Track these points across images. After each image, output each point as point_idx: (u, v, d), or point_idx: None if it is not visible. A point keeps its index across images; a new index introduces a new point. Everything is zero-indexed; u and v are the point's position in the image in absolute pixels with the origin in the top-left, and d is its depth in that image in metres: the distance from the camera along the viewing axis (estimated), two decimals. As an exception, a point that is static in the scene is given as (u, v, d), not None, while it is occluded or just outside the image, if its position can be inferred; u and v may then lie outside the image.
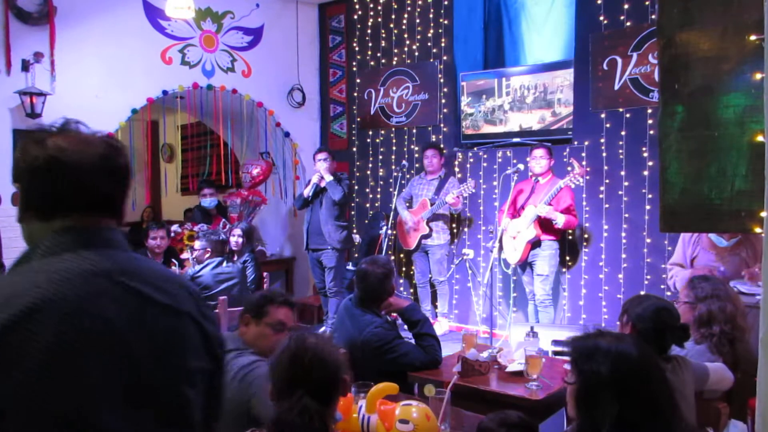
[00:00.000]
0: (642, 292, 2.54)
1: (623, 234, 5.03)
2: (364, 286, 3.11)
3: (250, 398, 2.09)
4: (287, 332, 2.34)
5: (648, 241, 4.87)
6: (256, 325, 2.33)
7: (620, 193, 5.05)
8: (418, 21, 6.29)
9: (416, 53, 6.33)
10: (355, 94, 6.81)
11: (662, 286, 4.08)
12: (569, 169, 4.87)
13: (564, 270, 5.34)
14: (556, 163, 5.16)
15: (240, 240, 5.23)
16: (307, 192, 5.66)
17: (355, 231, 6.69)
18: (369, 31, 6.69)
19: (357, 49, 6.79)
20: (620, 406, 1.53)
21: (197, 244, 4.85)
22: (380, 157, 6.65)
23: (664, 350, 2.33)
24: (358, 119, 6.81)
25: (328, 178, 5.54)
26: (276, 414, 1.62)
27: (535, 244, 4.93)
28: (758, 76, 1.61)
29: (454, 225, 5.99)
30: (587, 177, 5.20)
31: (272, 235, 7.29)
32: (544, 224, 4.86)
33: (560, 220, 4.74)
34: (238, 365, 2.17)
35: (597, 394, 1.56)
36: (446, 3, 6.06)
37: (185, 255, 5.31)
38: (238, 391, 2.10)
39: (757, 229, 1.64)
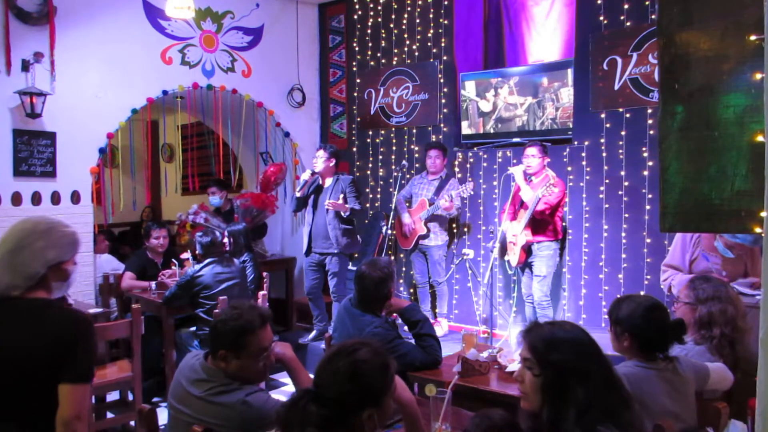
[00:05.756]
0: (618, 296, 2.55)
1: (623, 234, 5.03)
2: (360, 289, 3.11)
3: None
4: (271, 351, 2.21)
5: (648, 241, 4.87)
6: (237, 358, 2.10)
7: (620, 193, 5.05)
8: (418, 21, 6.29)
9: (416, 53, 6.33)
10: (355, 94, 6.81)
11: (662, 286, 4.07)
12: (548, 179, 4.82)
13: (564, 270, 5.34)
14: (557, 163, 5.17)
15: (227, 240, 5.21)
16: (299, 192, 5.39)
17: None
18: (369, 31, 6.69)
19: (357, 49, 6.79)
20: (587, 391, 1.58)
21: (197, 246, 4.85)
22: (380, 157, 6.65)
23: (664, 350, 2.33)
24: (358, 119, 6.81)
25: (328, 182, 5.44)
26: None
27: (528, 249, 4.95)
28: (758, 76, 1.61)
29: (453, 225, 5.98)
30: (587, 177, 5.20)
31: (273, 235, 7.29)
32: (538, 227, 4.87)
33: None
34: (232, 399, 2.05)
35: (566, 383, 1.60)
36: (446, 3, 6.06)
37: (185, 255, 5.32)
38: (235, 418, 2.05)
39: (757, 229, 1.64)
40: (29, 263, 1.89)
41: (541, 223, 4.86)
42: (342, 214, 5.28)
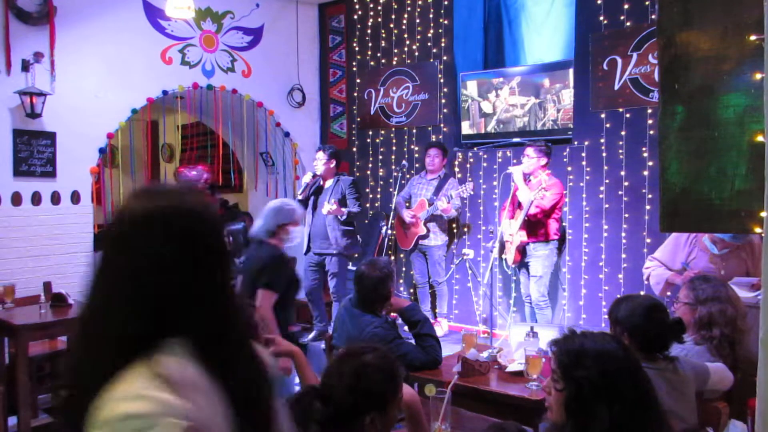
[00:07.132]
0: (618, 296, 2.55)
1: (623, 234, 5.03)
2: (359, 289, 3.11)
3: None
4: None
5: (648, 241, 4.87)
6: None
7: (620, 193, 5.05)
8: (418, 21, 6.29)
9: (416, 53, 6.33)
10: (355, 94, 6.81)
11: (643, 271, 4.08)
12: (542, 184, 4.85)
13: (564, 270, 5.34)
14: (557, 163, 5.16)
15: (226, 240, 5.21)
16: (301, 195, 5.43)
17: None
18: (369, 31, 6.69)
19: (357, 49, 6.79)
20: (613, 410, 1.50)
21: None
22: (380, 157, 6.65)
23: (664, 349, 2.33)
24: (358, 119, 6.81)
25: (328, 184, 5.45)
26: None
27: (523, 249, 4.96)
28: (758, 76, 1.61)
29: (454, 225, 5.98)
30: (587, 177, 5.20)
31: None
32: (532, 228, 4.88)
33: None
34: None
35: (589, 400, 1.52)
36: (446, 3, 6.06)
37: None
38: None
39: (757, 229, 1.64)
40: (270, 224, 3.51)
41: (535, 225, 4.88)
42: (339, 218, 5.28)
